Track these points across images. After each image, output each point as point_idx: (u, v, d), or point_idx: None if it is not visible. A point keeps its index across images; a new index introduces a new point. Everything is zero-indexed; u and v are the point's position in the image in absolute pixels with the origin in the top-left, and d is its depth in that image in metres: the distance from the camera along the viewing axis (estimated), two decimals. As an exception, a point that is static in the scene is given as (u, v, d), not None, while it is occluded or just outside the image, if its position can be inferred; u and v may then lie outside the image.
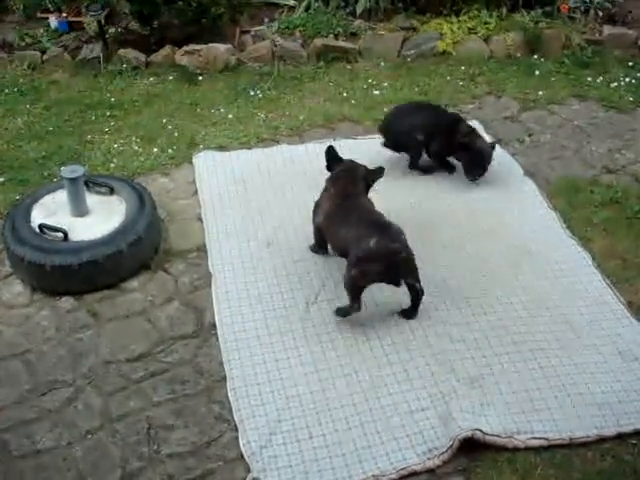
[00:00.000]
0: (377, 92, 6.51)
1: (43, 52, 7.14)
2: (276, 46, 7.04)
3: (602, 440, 3.59)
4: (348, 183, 4.48)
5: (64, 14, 7.42)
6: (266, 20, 7.47)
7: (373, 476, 3.45)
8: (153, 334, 4.24)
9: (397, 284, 4.13)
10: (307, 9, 7.42)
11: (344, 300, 4.18)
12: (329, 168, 4.63)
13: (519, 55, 6.93)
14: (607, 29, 7.03)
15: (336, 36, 7.11)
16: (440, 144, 5.27)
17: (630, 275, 4.50)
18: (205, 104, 6.44)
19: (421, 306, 4.23)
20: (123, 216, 4.68)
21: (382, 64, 6.90)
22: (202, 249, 4.80)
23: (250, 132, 6.01)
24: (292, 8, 7.54)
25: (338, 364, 3.96)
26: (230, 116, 6.25)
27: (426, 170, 5.39)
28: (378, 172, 4.57)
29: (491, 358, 3.97)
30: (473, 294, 4.37)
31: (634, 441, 3.58)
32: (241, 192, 5.28)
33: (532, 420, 3.64)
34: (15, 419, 3.79)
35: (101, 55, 7.01)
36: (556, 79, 6.59)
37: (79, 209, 4.74)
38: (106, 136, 6.04)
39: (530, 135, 5.87)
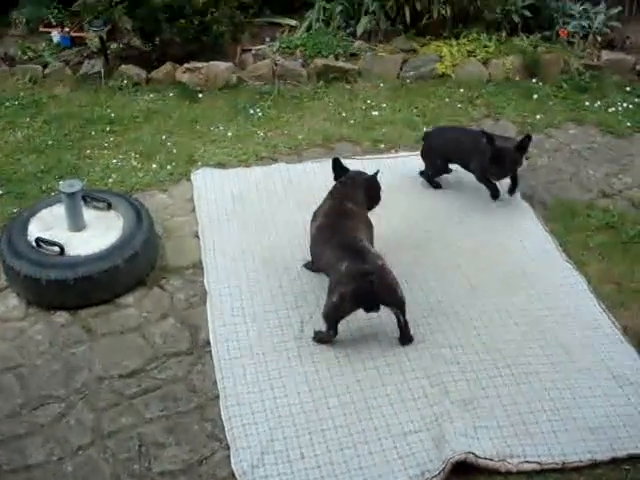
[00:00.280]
0: (376, 113, 6.54)
1: (45, 66, 7.16)
2: (277, 65, 7.08)
3: (595, 465, 3.58)
4: (345, 197, 4.51)
5: (66, 29, 7.46)
6: (267, 39, 7.52)
7: (365, 498, 3.44)
8: (147, 350, 4.23)
9: (373, 309, 4.07)
10: (308, 29, 7.47)
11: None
12: (336, 179, 4.68)
13: (518, 79, 6.96)
14: (605, 54, 7.07)
15: (336, 56, 7.15)
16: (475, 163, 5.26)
17: (625, 300, 4.51)
18: (205, 121, 6.46)
19: (415, 328, 4.23)
20: (120, 231, 4.69)
21: (381, 85, 6.94)
22: (198, 266, 4.80)
23: (249, 150, 6.03)
24: (293, 28, 7.59)
25: (332, 384, 3.96)
26: (229, 134, 6.27)
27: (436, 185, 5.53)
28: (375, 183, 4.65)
29: (485, 381, 3.96)
30: (468, 316, 4.38)
31: (627, 466, 3.57)
32: (239, 210, 5.30)
33: (525, 444, 3.63)
34: (7, 433, 3.78)
35: (102, 70, 7.04)
36: (554, 103, 6.63)
37: (76, 224, 4.74)
38: (105, 151, 6.06)
39: (527, 158, 5.85)
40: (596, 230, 5.07)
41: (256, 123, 6.43)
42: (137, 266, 4.62)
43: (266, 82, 7.00)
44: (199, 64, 6.98)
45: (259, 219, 5.20)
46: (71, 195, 4.65)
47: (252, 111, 6.58)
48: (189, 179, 5.66)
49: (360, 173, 4.71)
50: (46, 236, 4.61)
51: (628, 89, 6.78)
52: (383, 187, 4.71)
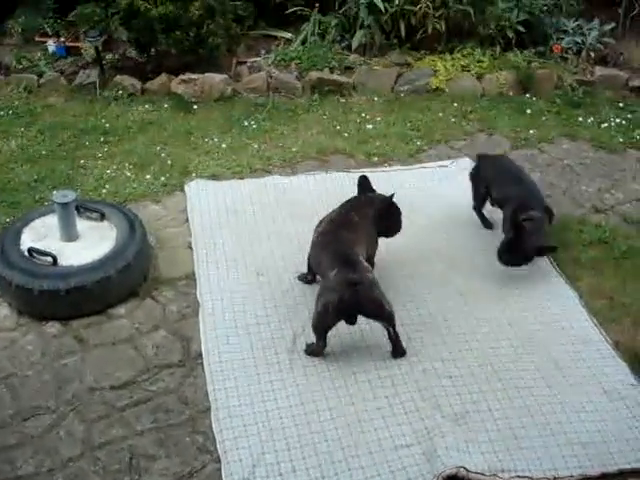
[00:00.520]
0: (370, 126, 6.56)
1: (40, 76, 7.17)
2: (271, 78, 7.10)
3: (586, 479, 3.58)
4: (354, 209, 4.53)
5: (62, 39, 7.48)
6: (262, 52, 7.54)
7: (355, 511, 3.43)
8: (139, 362, 4.22)
9: (353, 320, 4.08)
10: (303, 42, 7.50)
11: (330, 333, 4.17)
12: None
13: (511, 94, 7.00)
14: (599, 70, 7.12)
15: (331, 70, 7.18)
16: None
17: (617, 315, 4.52)
18: (199, 133, 6.46)
19: (407, 341, 4.23)
20: (113, 242, 4.68)
21: (376, 99, 6.96)
22: (191, 277, 4.80)
23: (243, 162, 6.04)
24: (289, 41, 7.62)
25: (324, 397, 3.95)
26: (224, 146, 6.28)
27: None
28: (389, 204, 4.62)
29: (477, 395, 3.97)
30: (460, 330, 4.38)
31: (618, 481, 3.58)
32: (232, 222, 5.30)
33: (516, 458, 3.64)
34: (-4, 444, 3.77)
35: (97, 81, 7.05)
36: (547, 118, 6.66)
37: (69, 234, 4.74)
38: (99, 161, 6.06)
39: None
40: (588, 245, 5.08)
41: (250, 135, 6.44)
42: (130, 277, 4.62)
43: (261, 94, 7.02)
44: (194, 75, 7.00)
45: (252, 231, 5.20)
46: (64, 205, 4.65)
47: (246, 123, 6.59)
48: (183, 190, 5.66)
49: (380, 195, 4.69)
50: (39, 246, 4.60)
51: (621, 105, 6.82)
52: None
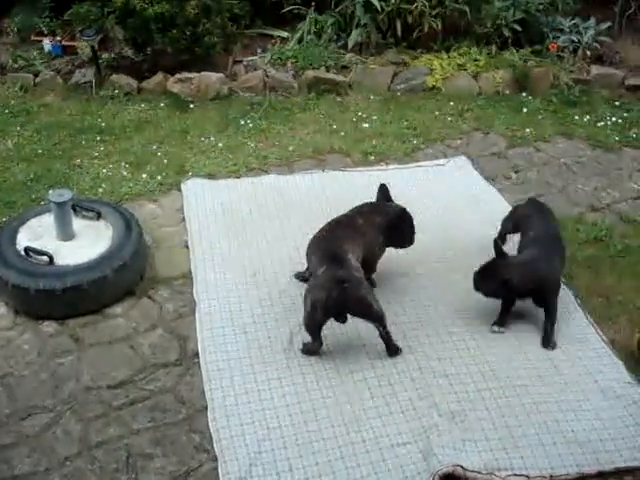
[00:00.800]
0: (366, 125, 6.57)
1: (36, 75, 7.17)
2: (268, 77, 7.10)
3: (582, 478, 3.58)
4: (361, 214, 4.49)
5: (58, 38, 7.47)
6: (259, 51, 7.54)
7: (352, 510, 3.43)
8: (135, 361, 4.22)
9: (342, 318, 4.09)
10: (300, 41, 7.50)
11: (327, 332, 4.19)
12: None
13: (507, 92, 7.01)
14: (595, 69, 7.14)
15: (327, 68, 7.18)
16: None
17: (613, 313, 4.53)
18: (195, 132, 6.46)
19: (404, 340, 4.23)
20: (109, 241, 4.68)
21: (372, 97, 6.97)
22: (187, 277, 4.80)
23: (239, 161, 6.04)
24: (285, 40, 7.62)
25: (320, 396, 3.95)
26: (220, 145, 6.28)
27: None
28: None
29: (473, 393, 3.97)
30: (456, 329, 4.38)
31: (614, 479, 3.58)
32: (228, 221, 5.29)
33: (513, 457, 3.64)
34: (-7, 444, 3.76)
35: (93, 80, 7.05)
36: (543, 117, 6.67)
37: (65, 233, 4.73)
38: (95, 161, 6.05)
39: (517, 172, 5.93)
40: (584, 243, 5.09)
41: (247, 134, 6.44)
42: (126, 276, 4.61)
43: (257, 93, 7.02)
44: (190, 75, 7.00)
45: (249, 230, 5.20)
46: (61, 204, 4.64)
47: (243, 122, 6.59)
48: (179, 189, 5.66)
49: (394, 205, 4.61)
50: (35, 245, 4.60)
51: (617, 103, 6.83)
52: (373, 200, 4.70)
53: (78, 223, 4.83)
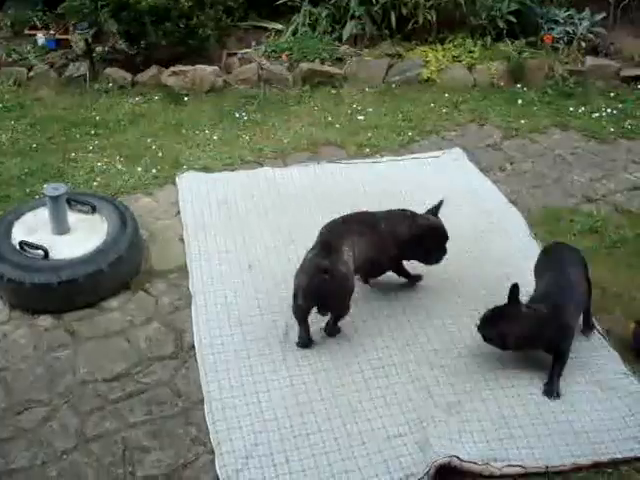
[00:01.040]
0: (361, 117, 6.56)
1: (29, 69, 7.16)
2: (262, 69, 7.08)
3: (578, 469, 3.59)
4: (386, 219, 4.34)
5: (52, 31, 7.46)
6: (253, 43, 7.53)
7: (349, 502, 3.44)
8: (131, 354, 4.22)
9: (320, 309, 4.08)
10: (294, 33, 7.49)
11: (323, 324, 4.20)
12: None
13: (502, 84, 7.01)
14: (590, 60, 7.12)
15: (322, 61, 7.17)
16: None
17: (608, 304, 4.52)
18: (190, 125, 6.45)
19: (400, 332, 4.24)
20: (104, 235, 4.67)
21: (367, 90, 6.96)
22: (183, 270, 4.79)
23: (234, 154, 6.03)
24: (279, 32, 7.61)
25: (316, 389, 3.95)
26: (215, 137, 6.27)
27: None
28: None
29: (469, 385, 3.97)
30: (452, 320, 4.39)
31: (610, 470, 3.59)
32: (224, 213, 5.29)
33: (509, 447, 3.64)
34: (-10, 438, 3.76)
35: (87, 73, 7.03)
36: (538, 108, 6.67)
37: (60, 227, 4.73)
38: (90, 154, 6.04)
39: (512, 163, 5.92)
40: (580, 235, 5.09)
41: (241, 127, 6.43)
42: (121, 270, 4.61)
43: (252, 86, 7.01)
44: (185, 68, 6.99)
45: (244, 223, 5.20)
46: (55, 198, 4.63)
47: (238, 115, 6.58)
48: (174, 183, 5.65)
49: (429, 221, 4.42)
50: (30, 239, 4.59)
51: (612, 95, 6.83)
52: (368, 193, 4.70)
53: (73, 217, 4.82)
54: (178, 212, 5.33)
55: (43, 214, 4.78)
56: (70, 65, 7.19)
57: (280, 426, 3.75)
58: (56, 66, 7.23)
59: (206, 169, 5.82)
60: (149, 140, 6.23)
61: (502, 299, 3.99)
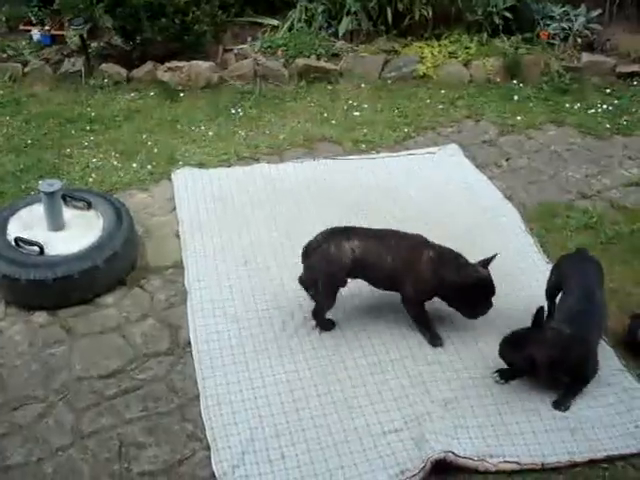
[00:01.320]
0: (357, 113, 6.56)
1: (24, 65, 7.14)
2: (258, 65, 7.07)
3: (574, 465, 3.60)
4: (436, 250, 4.17)
5: (47, 27, 7.43)
6: (249, 39, 7.51)
7: (345, 497, 3.44)
8: (127, 351, 4.21)
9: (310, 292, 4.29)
10: (290, 29, 7.48)
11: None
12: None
13: (498, 80, 7.00)
14: (586, 56, 7.12)
15: (318, 56, 7.16)
16: None
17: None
18: (186, 121, 6.44)
19: (397, 327, 4.24)
20: (100, 231, 4.66)
21: (363, 85, 6.95)
22: (179, 266, 4.79)
23: (230, 150, 6.02)
24: (275, 28, 7.59)
25: (312, 384, 3.96)
26: (210, 133, 6.26)
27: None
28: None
29: (466, 381, 3.98)
30: (449, 316, 4.38)
31: (605, 465, 3.60)
32: (219, 209, 5.28)
33: (505, 444, 3.65)
34: (-15, 434, 3.76)
35: (83, 69, 7.01)
36: (534, 104, 6.67)
37: (56, 223, 4.72)
38: (85, 150, 6.03)
39: (507, 159, 5.93)
40: (575, 231, 5.10)
41: (237, 123, 6.43)
42: (117, 266, 4.60)
43: (248, 82, 7.00)
44: (180, 63, 6.98)
45: (239, 219, 5.19)
46: (51, 194, 4.62)
47: (233, 111, 6.57)
48: (170, 179, 5.64)
49: (472, 266, 4.19)
50: (25, 236, 4.58)
51: (608, 91, 6.83)
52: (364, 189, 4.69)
53: (68, 213, 4.81)
54: (174, 208, 5.32)
55: (38, 210, 4.77)
56: (65, 61, 7.17)
57: (276, 422, 3.76)
58: (51, 62, 7.21)
59: (202, 165, 5.82)
60: (145, 136, 6.22)
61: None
